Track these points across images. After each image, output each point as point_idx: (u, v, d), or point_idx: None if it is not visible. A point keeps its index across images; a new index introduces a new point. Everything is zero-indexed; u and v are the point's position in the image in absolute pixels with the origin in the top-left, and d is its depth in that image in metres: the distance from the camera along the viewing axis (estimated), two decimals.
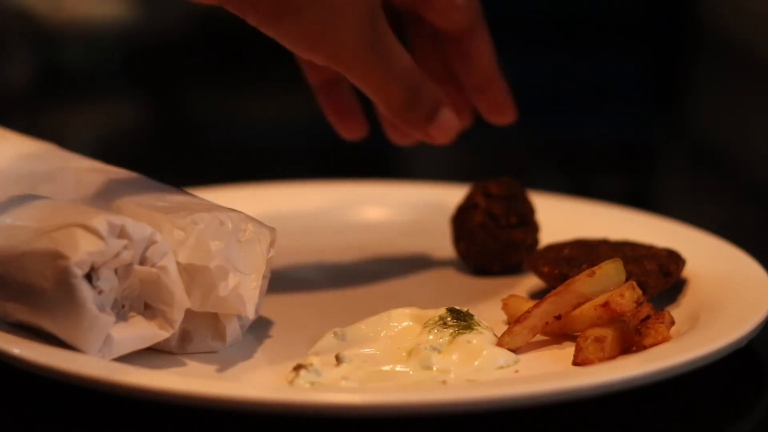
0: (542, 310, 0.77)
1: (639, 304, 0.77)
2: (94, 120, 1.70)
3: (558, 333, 0.79)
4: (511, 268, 0.92)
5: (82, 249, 0.70)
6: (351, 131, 0.93)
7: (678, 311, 0.81)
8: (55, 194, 0.79)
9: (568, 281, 0.78)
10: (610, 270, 0.78)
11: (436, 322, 0.78)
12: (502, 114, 0.93)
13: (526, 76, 1.85)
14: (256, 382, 0.74)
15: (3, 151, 0.87)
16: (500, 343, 0.77)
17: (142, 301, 0.74)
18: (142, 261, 0.73)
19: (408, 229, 1.02)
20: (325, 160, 1.46)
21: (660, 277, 0.84)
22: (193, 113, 1.74)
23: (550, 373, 0.74)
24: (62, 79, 1.85)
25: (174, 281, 0.73)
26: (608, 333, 0.75)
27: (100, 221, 0.71)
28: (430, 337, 0.77)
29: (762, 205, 1.28)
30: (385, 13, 0.80)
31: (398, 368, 0.74)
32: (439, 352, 0.75)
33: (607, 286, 0.77)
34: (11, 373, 0.72)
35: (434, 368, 0.74)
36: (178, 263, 0.74)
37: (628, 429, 0.72)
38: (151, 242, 0.73)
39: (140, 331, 0.73)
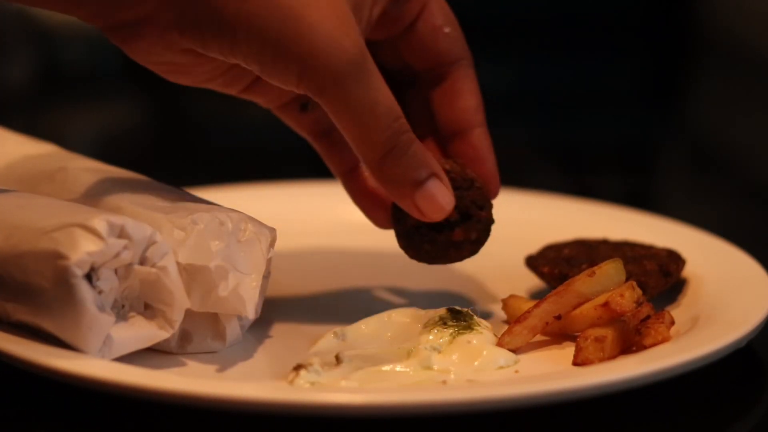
0: (542, 310, 0.77)
1: (639, 304, 0.77)
2: (94, 120, 1.70)
3: (558, 333, 0.79)
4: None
5: (82, 249, 0.70)
6: (383, 220, 0.84)
7: (678, 311, 0.81)
8: (55, 194, 0.79)
9: (568, 281, 0.78)
10: (610, 270, 0.78)
11: (436, 322, 0.78)
12: (486, 175, 0.81)
13: (526, 76, 1.85)
14: (256, 382, 0.74)
15: (3, 151, 0.87)
16: (500, 343, 0.77)
17: (142, 301, 0.74)
18: (142, 261, 0.73)
19: None
20: None
21: (660, 277, 0.84)
22: (193, 113, 1.74)
23: (550, 373, 0.74)
24: (62, 79, 1.85)
25: (174, 281, 0.73)
26: (608, 333, 0.75)
27: (100, 221, 0.71)
28: (430, 337, 0.77)
29: (762, 205, 1.28)
30: None
31: (398, 368, 0.74)
32: (439, 352, 0.75)
33: (607, 286, 0.77)
34: (11, 373, 0.72)
35: (434, 368, 0.74)
36: (178, 263, 0.74)
37: (628, 429, 0.72)
38: (151, 242, 0.73)
39: (140, 331, 0.73)
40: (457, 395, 0.68)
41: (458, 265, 0.95)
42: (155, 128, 1.70)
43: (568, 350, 0.76)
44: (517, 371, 0.75)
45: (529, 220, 1.00)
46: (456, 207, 0.79)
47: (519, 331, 0.77)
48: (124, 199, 0.78)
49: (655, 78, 1.97)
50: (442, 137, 0.83)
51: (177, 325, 0.74)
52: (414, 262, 0.88)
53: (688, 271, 0.87)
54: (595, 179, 1.40)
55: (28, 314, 0.73)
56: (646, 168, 1.50)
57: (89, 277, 0.71)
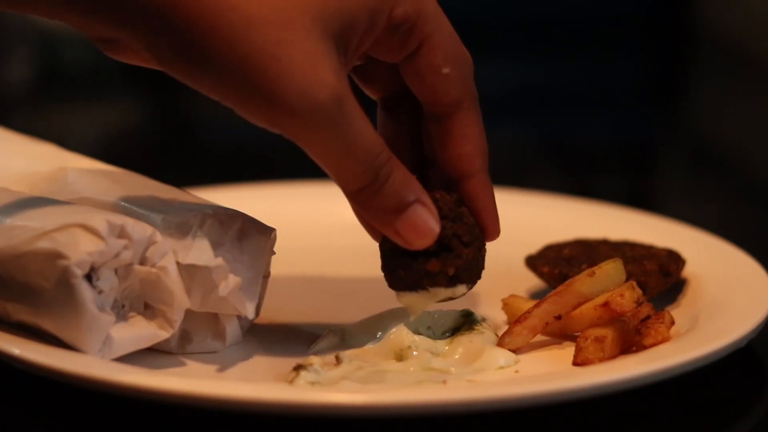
0: (542, 310, 0.77)
1: (639, 304, 0.77)
2: (94, 120, 1.70)
3: (558, 333, 0.79)
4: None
5: (82, 249, 0.70)
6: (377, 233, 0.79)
7: (678, 311, 0.81)
8: (55, 194, 0.79)
9: (568, 281, 0.78)
10: (610, 270, 0.78)
11: (437, 321, 0.78)
12: (485, 223, 0.77)
13: (527, 75, 1.85)
14: (256, 382, 0.74)
15: (3, 151, 0.87)
16: (500, 343, 0.77)
17: (142, 301, 0.74)
18: (142, 261, 0.73)
19: None
20: None
21: (660, 277, 0.84)
22: (193, 113, 1.74)
23: (550, 373, 0.74)
24: (62, 79, 1.85)
25: (174, 281, 0.73)
26: (608, 333, 0.75)
27: (100, 221, 0.71)
28: (431, 337, 0.77)
29: (762, 205, 1.28)
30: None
31: (398, 368, 0.74)
32: (440, 352, 0.75)
33: (607, 286, 0.77)
34: (11, 373, 0.72)
35: (434, 368, 0.74)
36: (178, 263, 0.74)
37: (628, 429, 0.72)
38: (151, 242, 0.73)
39: (140, 331, 0.73)
40: (457, 395, 0.68)
41: None
42: (155, 128, 1.70)
43: (568, 350, 0.76)
44: (517, 371, 0.75)
45: (529, 220, 1.00)
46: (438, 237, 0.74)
47: (519, 331, 0.77)
48: (124, 199, 0.78)
49: (655, 78, 1.97)
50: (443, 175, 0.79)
51: (177, 325, 0.74)
52: None
53: (688, 271, 0.87)
54: (595, 179, 1.40)
55: (28, 314, 0.73)
56: (646, 168, 1.50)
57: (89, 277, 0.71)
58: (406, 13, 0.73)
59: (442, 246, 0.75)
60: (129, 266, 0.72)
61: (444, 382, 0.73)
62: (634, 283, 0.77)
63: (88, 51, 1.87)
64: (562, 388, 0.68)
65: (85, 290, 0.70)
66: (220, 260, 0.75)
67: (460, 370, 0.74)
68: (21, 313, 0.73)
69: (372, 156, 0.71)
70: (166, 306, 0.73)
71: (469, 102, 0.76)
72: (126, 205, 0.77)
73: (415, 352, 0.75)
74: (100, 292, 0.71)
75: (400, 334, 0.77)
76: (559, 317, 0.77)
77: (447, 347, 0.76)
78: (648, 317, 0.77)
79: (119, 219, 0.72)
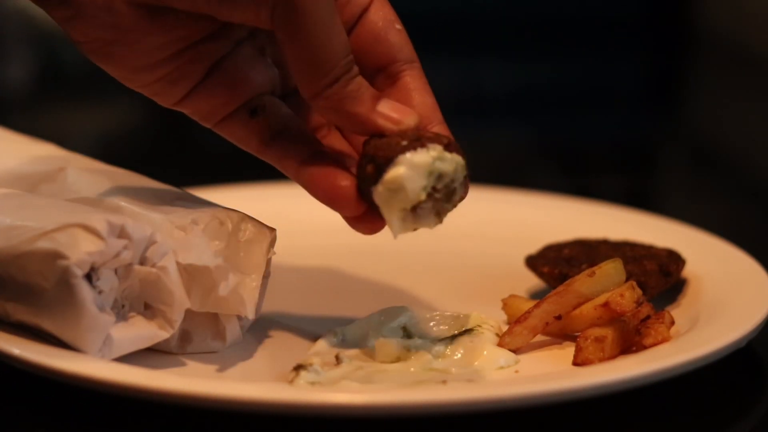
0: (542, 310, 0.77)
1: (639, 304, 0.77)
2: (94, 120, 1.70)
3: (558, 333, 0.79)
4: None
5: (82, 249, 0.70)
6: (369, 225, 0.76)
7: (678, 311, 0.81)
8: (55, 194, 0.79)
9: (568, 281, 0.78)
10: (610, 270, 0.78)
11: (437, 322, 0.78)
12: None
13: (527, 76, 1.85)
14: (256, 382, 0.74)
15: (3, 151, 0.87)
16: (501, 343, 0.77)
17: (142, 301, 0.74)
18: (142, 261, 0.73)
19: None
20: None
21: (660, 277, 0.84)
22: None
23: (550, 373, 0.74)
24: (62, 79, 1.85)
25: (174, 281, 0.73)
26: (608, 333, 0.75)
27: (100, 221, 0.71)
28: (431, 337, 0.77)
29: (762, 205, 1.28)
30: None
31: (398, 368, 0.74)
32: (440, 352, 0.75)
33: (607, 286, 0.77)
34: (11, 373, 0.72)
35: (434, 368, 0.74)
36: (178, 263, 0.74)
37: (628, 429, 0.72)
38: (151, 242, 0.73)
39: (140, 331, 0.73)
40: (457, 395, 0.68)
41: (458, 265, 0.95)
42: (155, 128, 1.70)
43: (568, 350, 0.76)
44: (517, 371, 0.75)
45: (529, 220, 1.01)
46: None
47: (519, 331, 0.77)
48: (124, 199, 0.78)
49: (655, 78, 1.97)
50: None
51: (177, 325, 0.74)
52: (414, 262, 0.88)
53: (688, 271, 0.87)
54: (595, 179, 1.40)
55: (28, 314, 0.73)
56: (646, 168, 1.50)
57: (89, 277, 0.71)
58: None
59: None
60: (129, 266, 0.72)
61: (444, 382, 0.73)
62: (634, 283, 0.77)
63: None
64: (562, 388, 0.68)
65: (85, 290, 0.70)
66: (220, 260, 0.75)
67: (461, 370, 0.74)
68: (21, 313, 0.73)
69: (347, 49, 0.72)
70: (166, 306, 0.73)
71: (419, 64, 0.77)
72: (126, 205, 0.77)
73: (415, 352, 0.75)
74: (100, 292, 0.71)
75: (399, 333, 0.77)
76: (559, 317, 0.77)
77: (447, 347, 0.76)
78: (648, 317, 0.77)
79: (119, 219, 0.72)
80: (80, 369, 0.69)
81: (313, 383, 0.72)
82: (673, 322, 0.78)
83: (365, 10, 0.76)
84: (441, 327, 0.79)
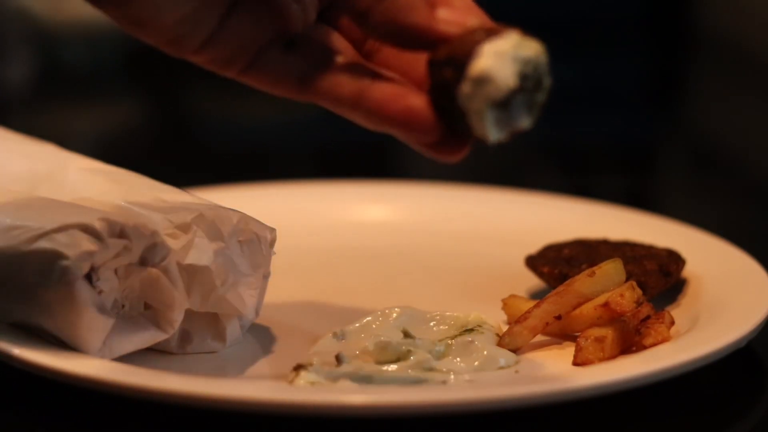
0: (542, 311, 0.77)
1: (639, 304, 0.77)
2: (94, 120, 1.70)
3: (558, 333, 0.79)
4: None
5: (82, 249, 0.70)
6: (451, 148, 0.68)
7: (678, 311, 0.81)
8: (55, 194, 0.79)
9: (568, 281, 0.78)
10: (610, 270, 0.78)
11: (437, 322, 0.78)
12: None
13: None
14: (256, 382, 0.74)
15: (3, 151, 0.87)
16: (500, 343, 0.77)
17: (142, 301, 0.74)
18: (142, 261, 0.73)
19: (408, 229, 1.01)
20: (325, 160, 1.46)
21: (660, 277, 0.84)
22: (193, 113, 1.74)
23: (550, 373, 0.74)
24: (62, 79, 1.85)
25: (174, 281, 0.73)
26: (608, 333, 0.75)
27: (100, 221, 0.71)
28: (431, 337, 0.77)
29: (762, 205, 1.28)
30: None
31: (398, 369, 0.74)
32: (440, 352, 0.75)
33: (607, 286, 0.77)
34: (11, 373, 0.72)
35: (434, 368, 0.74)
36: (178, 263, 0.74)
37: (628, 429, 0.72)
38: (151, 242, 0.73)
39: (140, 331, 0.73)
40: (457, 395, 0.68)
41: (458, 265, 0.95)
42: (155, 128, 1.70)
43: (568, 350, 0.76)
44: (517, 371, 0.75)
45: (529, 220, 1.00)
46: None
47: (519, 331, 0.77)
48: (124, 199, 0.78)
49: (655, 78, 1.97)
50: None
51: (177, 325, 0.74)
52: (414, 261, 0.88)
53: (688, 271, 0.87)
54: (595, 179, 1.40)
55: (28, 314, 0.73)
56: (646, 168, 1.50)
57: (89, 277, 0.71)
58: None
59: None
60: (129, 266, 0.72)
61: (444, 382, 0.73)
62: (634, 283, 0.77)
63: (88, 51, 1.87)
64: (562, 388, 0.68)
65: (85, 290, 0.70)
66: (220, 260, 0.75)
67: (460, 370, 0.74)
68: (21, 313, 0.73)
69: None
70: (166, 306, 0.73)
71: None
72: (126, 205, 0.77)
73: (415, 352, 0.75)
74: (100, 292, 0.71)
75: (399, 333, 0.77)
76: (559, 317, 0.77)
77: (447, 347, 0.76)
78: (648, 317, 0.77)
79: (119, 219, 0.72)
80: (80, 369, 0.69)
81: (313, 383, 0.72)
82: (673, 322, 0.78)
83: None
84: (441, 327, 0.79)
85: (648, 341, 0.75)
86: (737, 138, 1.58)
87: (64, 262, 0.70)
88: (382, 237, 1.00)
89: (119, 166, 0.85)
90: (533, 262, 0.88)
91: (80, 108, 1.74)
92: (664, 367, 0.70)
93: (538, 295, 0.84)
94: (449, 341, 0.77)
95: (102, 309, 0.71)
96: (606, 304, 0.76)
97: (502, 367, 0.75)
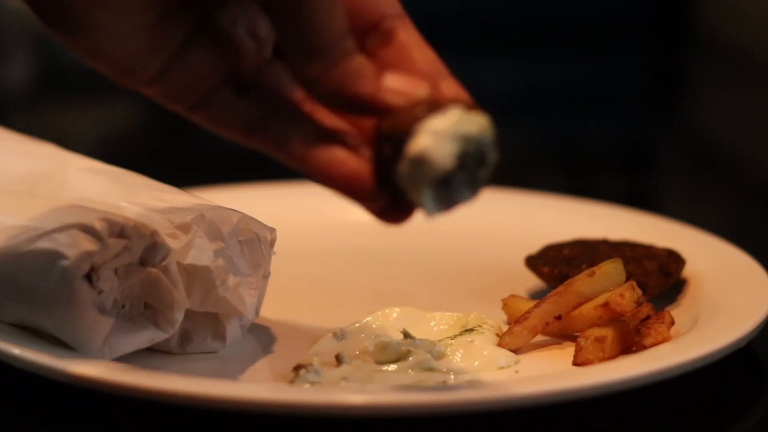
0: (542, 311, 0.77)
1: (639, 304, 0.77)
2: (94, 120, 1.70)
3: (558, 333, 0.79)
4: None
5: (82, 249, 0.70)
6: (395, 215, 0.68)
7: (678, 311, 0.81)
8: (55, 194, 0.79)
9: (568, 281, 0.78)
10: (610, 270, 0.78)
11: (437, 322, 0.78)
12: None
13: (527, 76, 1.85)
14: (256, 382, 0.74)
15: (3, 151, 0.87)
16: (501, 343, 0.77)
17: (142, 301, 0.74)
18: (142, 261, 0.73)
19: (408, 229, 1.01)
20: None
21: (660, 277, 0.84)
22: None
23: (550, 373, 0.74)
24: (62, 79, 1.85)
25: (174, 281, 0.73)
26: (608, 333, 0.75)
27: (100, 221, 0.71)
28: (431, 337, 0.77)
29: (762, 205, 1.28)
30: None
31: (398, 369, 0.74)
32: (440, 352, 0.75)
33: (607, 286, 0.77)
34: (11, 373, 0.72)
35: (434, 368, 0.74)
36: (178, 263, 0.74)
37: (628, 429, 0.72)
38: (151, 242, 0.73)
39: (140, 331, 0.73)
40: (457, 395, 0.68)
41: (458, 266, 0.95)
42: (155, 128, 1.70)
43: (568, 350, 0.76)
44: (517, 371, 0.75)
45: (529, 220, 1.00)
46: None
47: (519, 331, 0.77)
48: (124, 199, 0.78)
49: (655, 78, 1.97)
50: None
51: (177, 325, 0.74)
52: (414, 261, 0.88)
53: (688, 271, 0.87)
54: (595, 179, 1.40)
55: (28, 314, 0.73)
56: (646, 168, 1.50)
57: (89, 277, 0.71)
58: None
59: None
60: (129, 266, 0.72)
61: (444, 382, 0.73)
62: (634, 283, 0.77)
63: None
64: (562, 388, 0.68)
65: (85, 290, 0.70)
66: (220, 260, 0.75)
67: (460, 370, 0.74)
68: (21, 313, 0.73)
69: (346, 24, 0.65)
70: (166, 306, 0.73)
71: (409, 19, 0.68)
72: (126, 205, 0.77)
73: (415, 352, 0.75)
74: (100, 292, 0.71)
75: (399, 333, 0.77)
76: (559, 317, 0.77)
77: (447, 347, 0.76)
78: (648, 317, 0.77)
79: (119, 219, 0.72)
80: (80, 369, 0.69)
81: (313, 383, 0.72)
82: (673, 322, 0.78)
83: None
84: (441, 327, 0.79)
85: (648, 341, 0.75)
86: (737, 138, 1.58)
87: (64, 262, 0.70)
88: (382, 237, 0.99)
89: (119, 166, 0.85)
90: (533, 262, 0.88)
91: (80, 108, 1.74)
92: (664, 367, 0.70)
93: (538, 295, 0.84)
94: (449, 341, 0.77)
95: (102, 309, 0.71)
96: (606, 304, 0.76)
97: (502, 367, 0.75)
